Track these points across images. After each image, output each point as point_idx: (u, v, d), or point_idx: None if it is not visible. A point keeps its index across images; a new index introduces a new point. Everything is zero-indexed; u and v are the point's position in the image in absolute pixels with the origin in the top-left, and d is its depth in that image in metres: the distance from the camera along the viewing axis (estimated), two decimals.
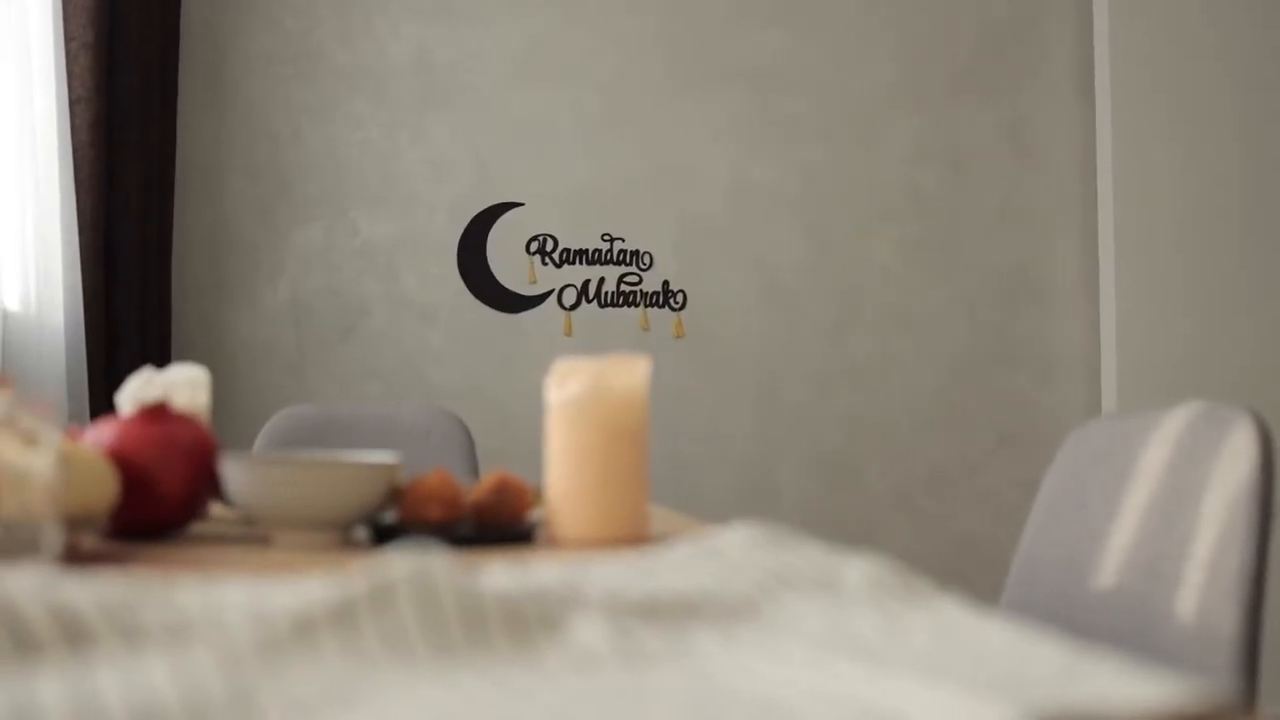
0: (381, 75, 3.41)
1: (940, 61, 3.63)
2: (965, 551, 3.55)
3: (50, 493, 0.65)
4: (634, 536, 1.07)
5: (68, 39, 2.63)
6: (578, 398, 1.07)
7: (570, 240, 3.46)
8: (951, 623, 0.66)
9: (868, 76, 3.60)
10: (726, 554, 0.77)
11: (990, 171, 3.64)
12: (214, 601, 0.53)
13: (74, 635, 0.48)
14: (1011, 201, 3.65)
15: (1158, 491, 1.12)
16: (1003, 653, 0.60)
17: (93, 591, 0.53)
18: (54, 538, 0.66)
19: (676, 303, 3.48)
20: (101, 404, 2.67)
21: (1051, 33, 3.68)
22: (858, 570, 0.77)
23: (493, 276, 3.42)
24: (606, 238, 3.47)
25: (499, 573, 0.67)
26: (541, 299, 3.45)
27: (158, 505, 1.01)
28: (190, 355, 3.19)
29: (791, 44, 3.58)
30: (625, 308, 3.46)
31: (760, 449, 3.49)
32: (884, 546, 3.47)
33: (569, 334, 3.43)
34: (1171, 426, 1.16)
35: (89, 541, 0.94)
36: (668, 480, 3.36)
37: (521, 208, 3.44)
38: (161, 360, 3.01)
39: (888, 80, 3.61)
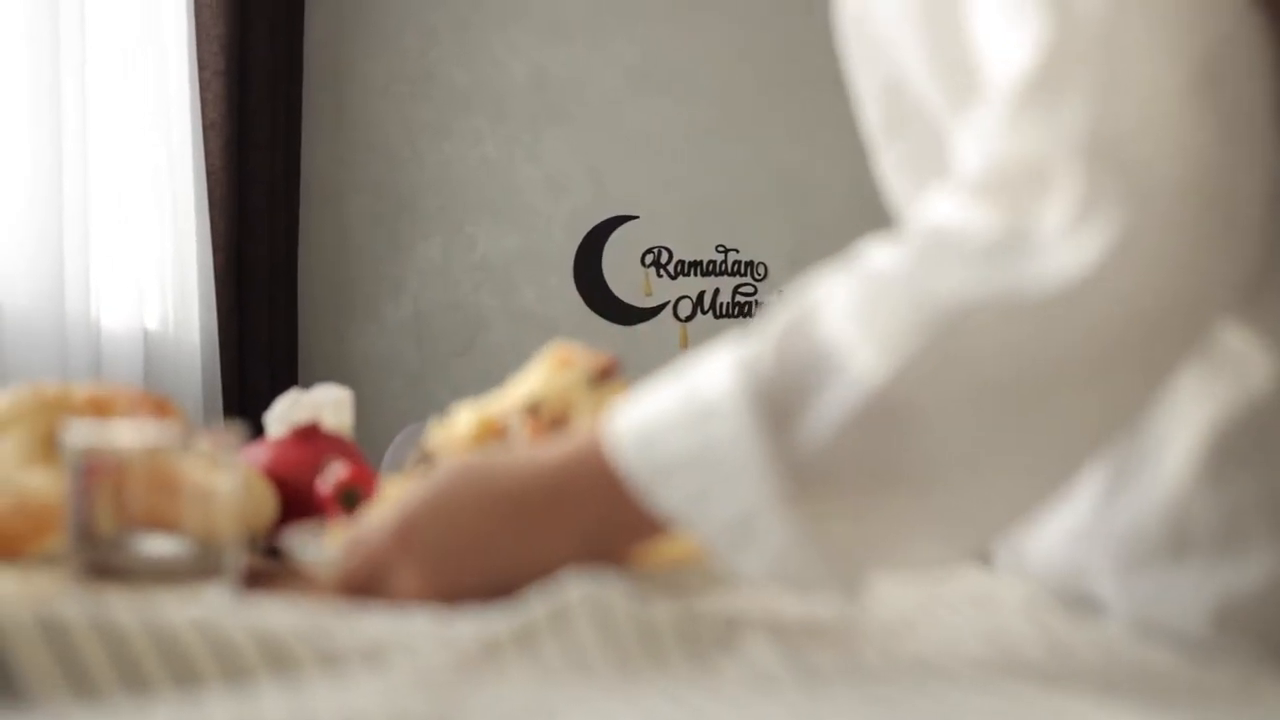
0: (498, 93, 3.46)
1: None
2: None
3: (235, 514, 0.68)
4: None
5: (200, 67, 2.72)
6: None
7: (685, 252, 3.47)
8: (1113, 640, 0.66)
9: None
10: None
11: None
12: (400, 625, 0.56)
13: (276, 658, 0.51)
14: None
15: None
16: (1173, 670, 0.60)
17: (286, 614, 0.55)
18: (237, 559, 0.69)
19: None
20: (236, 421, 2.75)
21: None
22: (1013, 588, 0.77)
23: (609, 289, 3.45)
24: (721, 249, 3.48)
25: (664, 594, 0.68)
26: (657, 311, 3.47)
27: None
28: (316, 372, 3.26)
29: None
30: (741, 319, 3.46)
31: None
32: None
33: (684, 346, 3.44)
34: None
35: (254, 561, 0.97)
36: None
37: (636, 220, 3.46)
38: (290, 378, 3.09)
39: None
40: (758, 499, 0.57)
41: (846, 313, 0.58)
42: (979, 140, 0.61)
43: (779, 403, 0.58)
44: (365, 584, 0.66)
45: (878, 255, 0.61)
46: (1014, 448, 0.58)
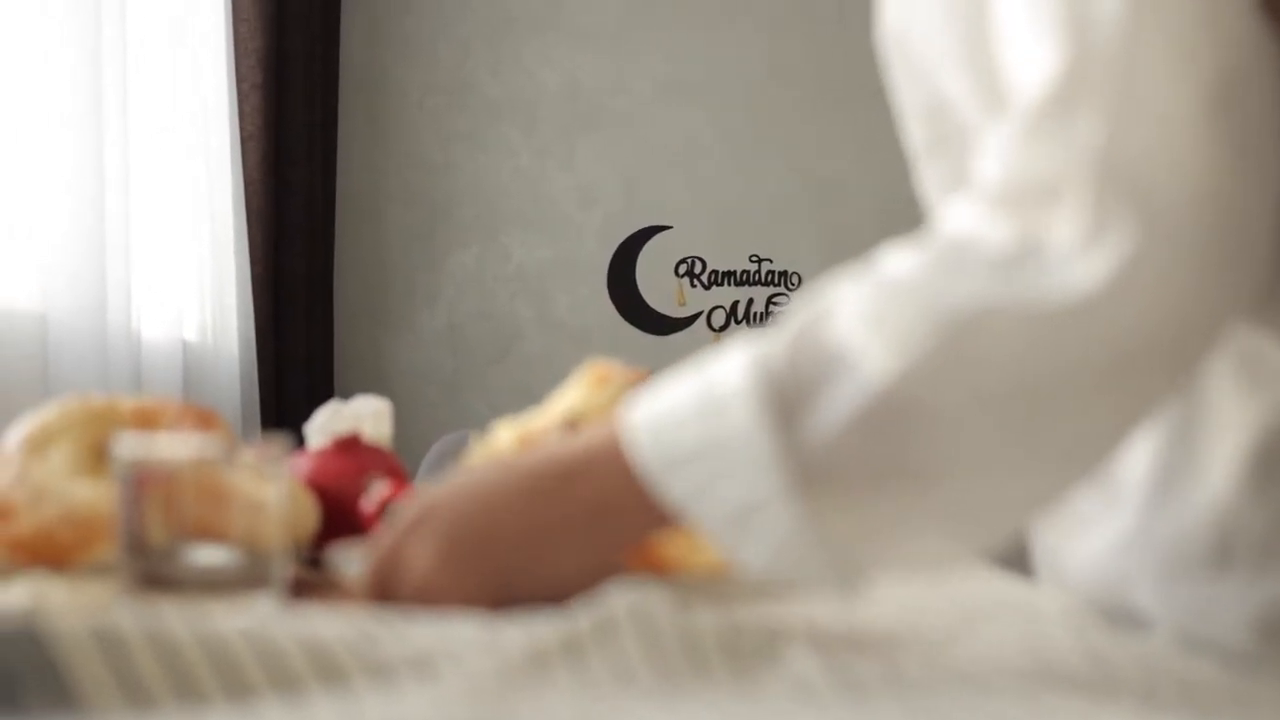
0: (531, 103, 3.47)
1: None
2: None
3: (282, 525, 0.69)
4: None
5: (238, 80, 2.75)
6: None
7: (718, 262, 3.48)
8: (1155, 651, 0.66)
9: None
10: (917, 582, 0.78)
11: None
12: (447, 634, 0.56)
13: (325, 668, 0.52)
14: None
15: None
16: (1215, 682, 0.60)
17: (334, 624, 0.56)
18: (284, 569, 0.70)
19: None
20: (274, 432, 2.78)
21: None
22: (1053, 598, 0.77)
23: (642, 299, 3.46)
24: (754, 258, 3.48)
25: (706, 604, 0.69)
26: (690, 321, 3.47)
27: (353, 535, 1.06)
28: (353, 381, 3.28)
29: None
30: None
31: None
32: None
33: None
34: None
35: (297, 571, 0.98)
36: None
37: (670, 230, 3.47)
38: (327, 387, 3.11)
39: None
40: (763, 491, 0.59)
41: (860, 315, 0.60)
42: (998, 152, 0.62)
43: (789, 399, 0.60)
44: (388, 568, 0.68)
45: (893, 261, 0.62)
46: (1018, 451, 0.59)
